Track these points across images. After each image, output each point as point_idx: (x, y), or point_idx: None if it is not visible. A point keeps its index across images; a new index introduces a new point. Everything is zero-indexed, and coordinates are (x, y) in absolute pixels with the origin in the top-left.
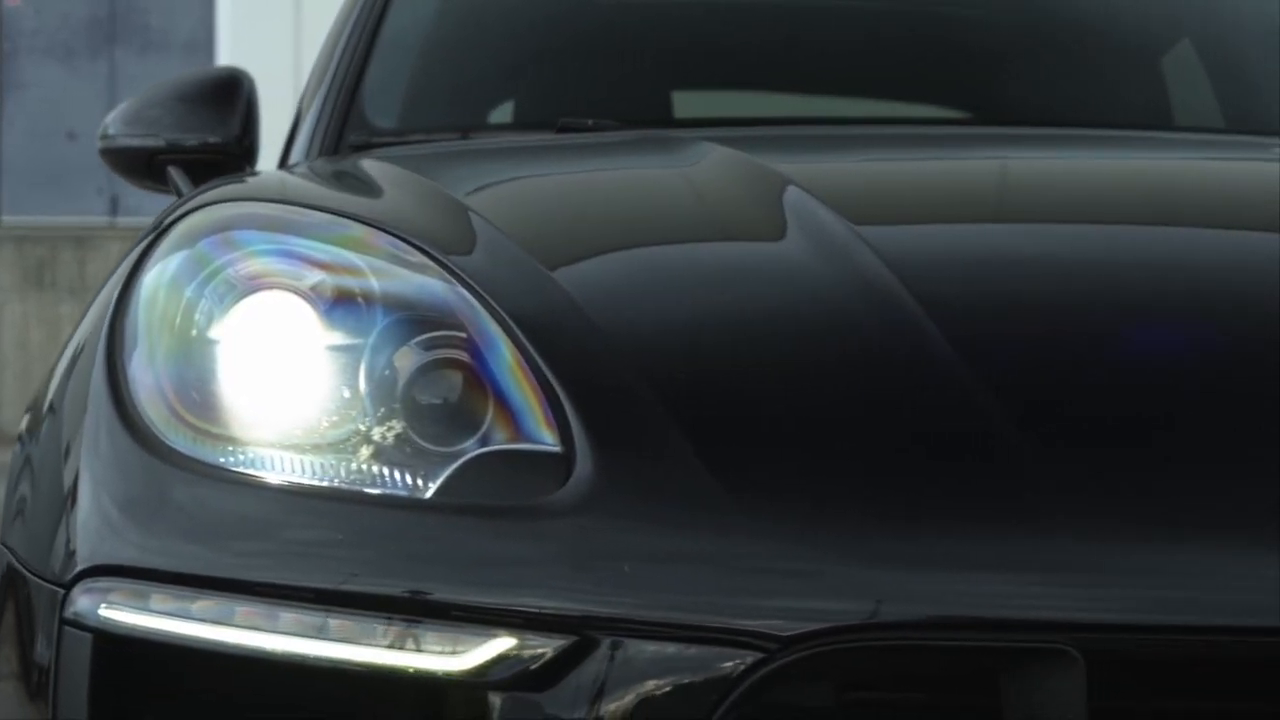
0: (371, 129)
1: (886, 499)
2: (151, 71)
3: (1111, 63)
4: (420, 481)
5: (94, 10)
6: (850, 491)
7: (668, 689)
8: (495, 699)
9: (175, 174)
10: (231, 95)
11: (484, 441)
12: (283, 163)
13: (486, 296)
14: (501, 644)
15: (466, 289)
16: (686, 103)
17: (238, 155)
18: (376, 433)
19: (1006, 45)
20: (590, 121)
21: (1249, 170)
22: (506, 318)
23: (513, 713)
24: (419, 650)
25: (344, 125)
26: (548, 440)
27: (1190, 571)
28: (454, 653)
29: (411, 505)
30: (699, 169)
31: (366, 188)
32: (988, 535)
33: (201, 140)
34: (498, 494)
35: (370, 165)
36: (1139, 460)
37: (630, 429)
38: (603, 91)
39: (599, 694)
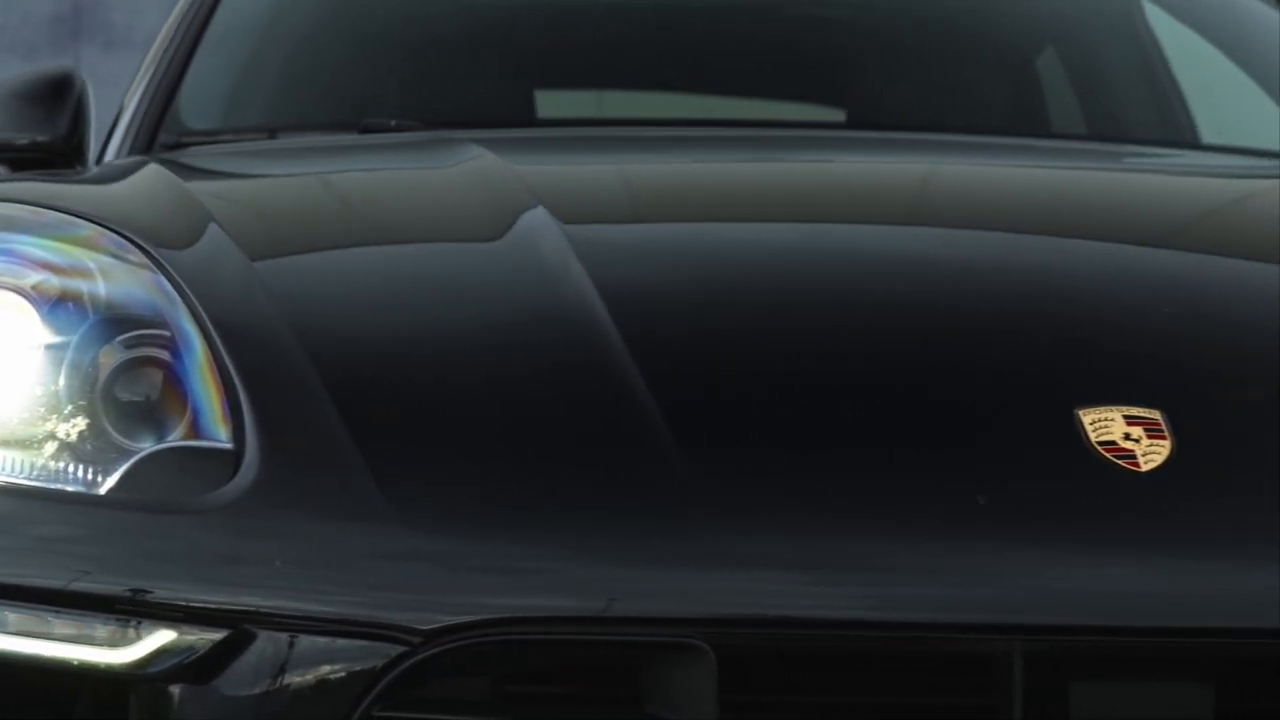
0: (183, 129)
1: (532, 497)
2: (116, 69)
3: (980, 68)
4: (97, 477)
5: (57, 8)
6: (499, 490)
7: (319, 681)
8: (158, 691)
9: (1, 172)
10: (63, 94)
11: (162, 438)
12: (99, 159)
13: (191, 296)
14: (162, 637)
15: (175, 288)
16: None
17: (65, 153)
18: (65, 429)
19: (880, 47)
20: (393, 122)
21: (1058, 177)
22: (205, 317)
23: (176, 705)
24: (86, 643)
25: (159, 124)
26: (221, 437)
27: (821, 565)
28: (118, 646)
29: (83, 501)
30: (449, 174)
31: (126, 188)
32: (625, 531)
33: (30, 139)
34: (169, 490)
35: (151, 167)
36: (789, 459)
37: (298, 428)
38: (425, 91)
39: (256, 686)
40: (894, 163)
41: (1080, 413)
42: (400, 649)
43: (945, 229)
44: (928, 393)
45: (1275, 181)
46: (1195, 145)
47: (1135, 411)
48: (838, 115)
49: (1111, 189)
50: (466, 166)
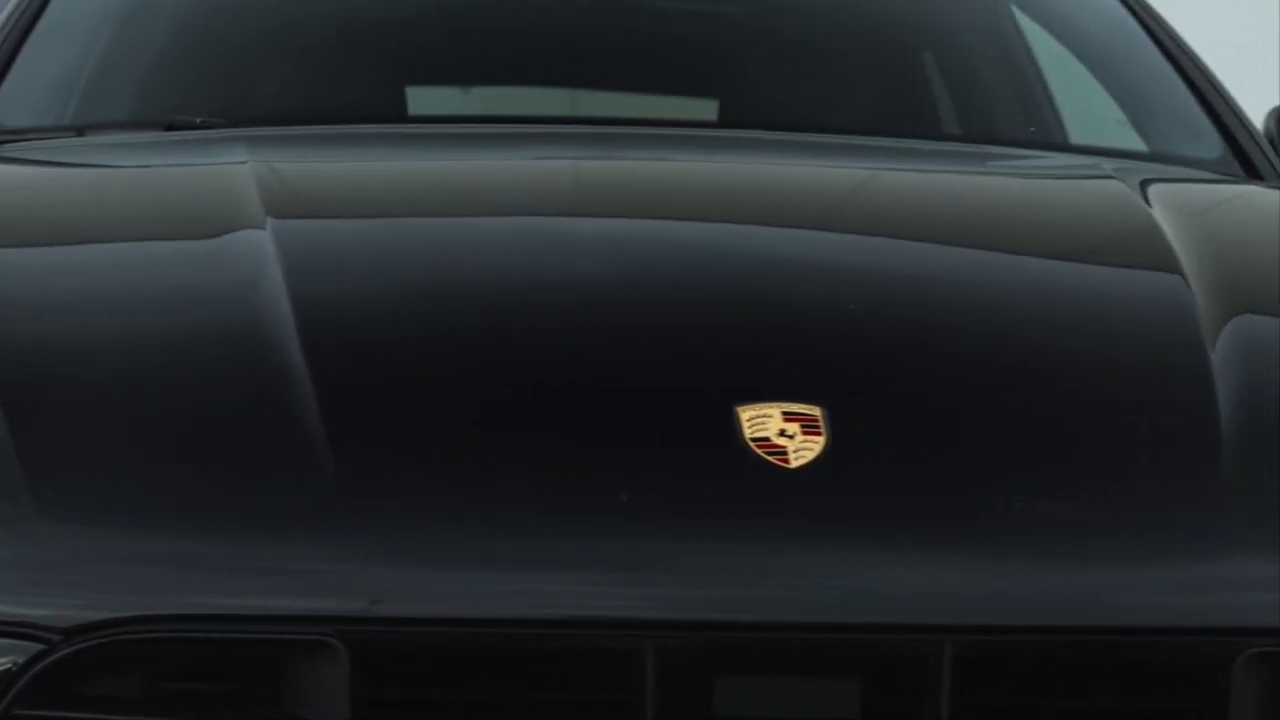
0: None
1: (175, 500)
2: None
3: (852, 67)
4: None
5: None
6: (145, 493)
7: None
8: None
9: None
10: None
11: None
12: None
13: None
14: None
15: None
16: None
17: None
18: None
19: (755, 43)
20: (198, 119)
21: (852, 177)
22: None
23: None
24: None
25: None
26: None
27: (452, 563)
28: None
29: None
30: (186, 176)
31: None
32: (263, 532)
33: None
34: None
35: None
36: (440, 460)
37: None
38: (289, 88)
39: None
40: (687, 160)
41: (739, 410)
42: (39, 647)
43: (680, 224)
44: (589, 391)
45: (1095, 182)
46: (1064, 147)
47: (795, 408)
48: (712, 110)
49: (905, 189)
50: (207, 170)
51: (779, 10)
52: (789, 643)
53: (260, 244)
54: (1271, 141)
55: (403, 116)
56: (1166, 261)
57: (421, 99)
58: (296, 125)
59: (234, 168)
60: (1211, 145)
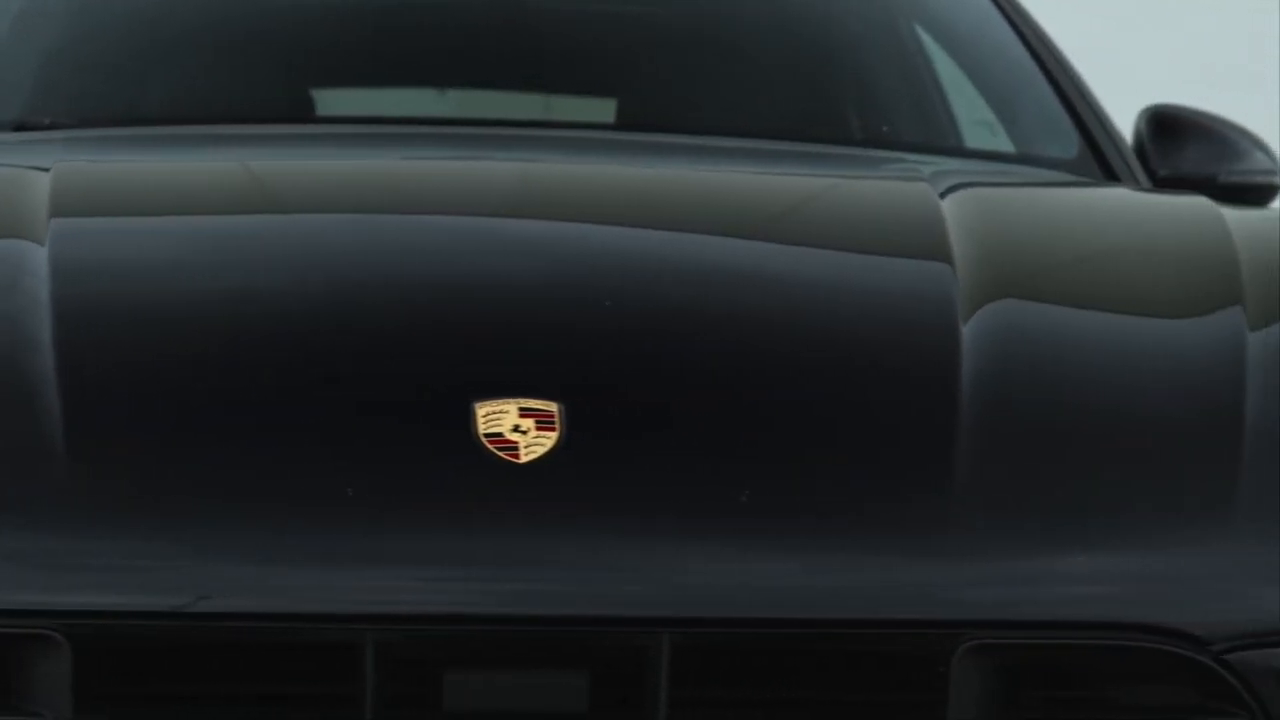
0: None
1: None
2: None
3: (749, 69)
4: None
5: None
6: None
7: None
8: None
9: None
10: None
11: None
12: None
13: None
14: None
15: None
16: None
17: None
18: None
19: (655, 44)
20: (47, 120)
21: (698, 179)
22: None
23: None
24: None
25: None
26: None
27: (146, 559)
28: None
29: None
30: None
31: None
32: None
33: None
34: None
35: None
36: (184, 458)
37: None
38: (195, 87)
39: None
40: (520, 159)
41: (476, 405)
42: None
43: (475, 220)
44: (325, 385)
45: (901, 184)
46: (956, 151)
47: (532, 404)
48: (610, 110)
49: (714, 189)
50: (6, 172)
51: (678, 12)
52: (514, 636)
53: (22, 249)
54: (1141, 141)
55: (306, 118)
56: (940, 254)
57: (334, 100)
58: (184, 125)
59: (33, 172)
60: (1070, 145)
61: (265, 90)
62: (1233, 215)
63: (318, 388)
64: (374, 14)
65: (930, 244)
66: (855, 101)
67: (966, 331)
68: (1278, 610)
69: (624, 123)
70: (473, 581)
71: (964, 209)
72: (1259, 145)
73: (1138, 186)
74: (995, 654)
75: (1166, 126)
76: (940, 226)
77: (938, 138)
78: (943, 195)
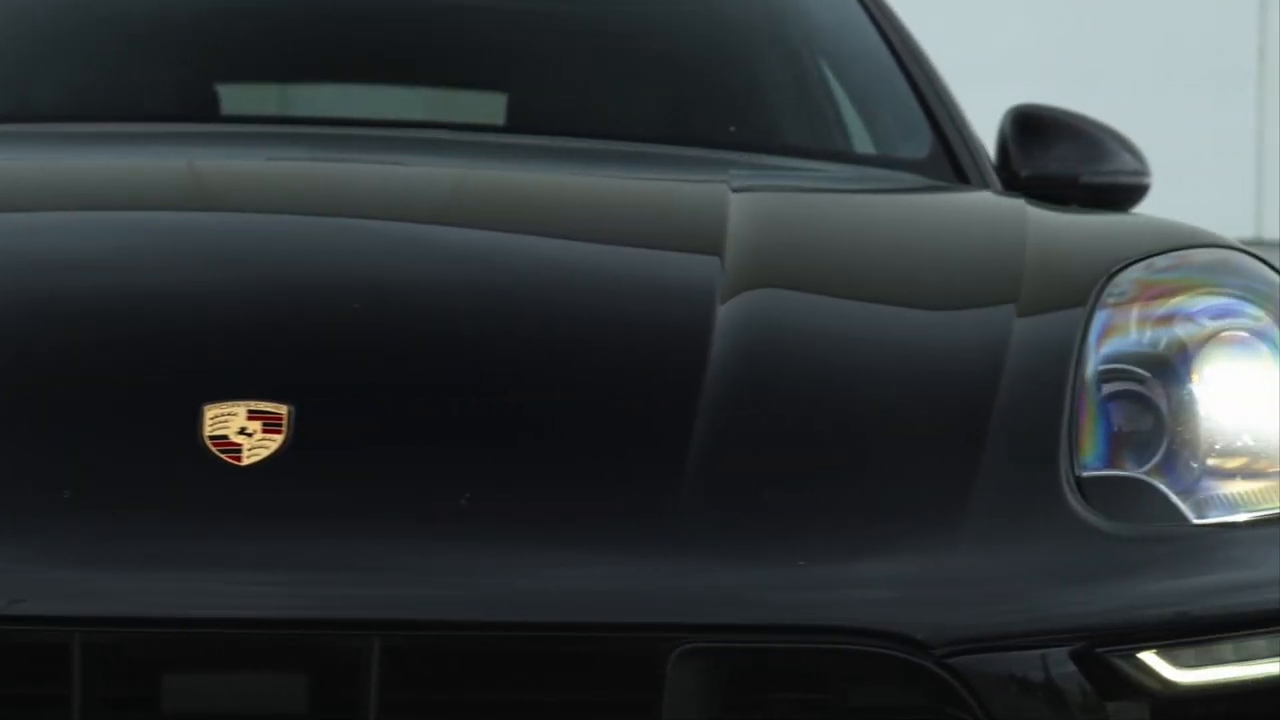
0: None
1: None
2: None
3: (637, 72)
4: None
5: None
6: None
7: None
8: None
9: None
10: None
11: None
12: None
13: None
14: None
15: None
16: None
17: None
18: None
19: (547, 43)
20: None
21: (531, 181)
22: None
23: None
24: None
25: None
26: None
27: None
28: None
29: None
30: None
31: None
32: None
33: None
34: None
35: None
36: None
37: None
38: (96, 83)
39: None
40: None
41: (206, 408)
42: None
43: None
44: (76, 383)
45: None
46: (843, 156)
47: (262, 406)
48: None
49: (543, 191)
50: None
51: (570, 11)
52: (231, 639)
53: None
54: (1005, 141)
55: (212, 115)
56: (712, 248)
57: (241, 97)
58: (81, 123)
59: None
60: (923, 146)
61: (167, 86)
62: (1038, 216)
63: (44, 388)
64: (275, 9)
65: (706, 240)
66: (721, 103)
67: (720, 318)
68: (999, 615)
69: (513, 120)
70: (188, 583)
71: (753, 209)
72: (1127, 146)
73: (971, 188)
74: (714, 657)
75: (1032, 127)
76: (721, 225)
77: (809, 139)
78: (738, 193)
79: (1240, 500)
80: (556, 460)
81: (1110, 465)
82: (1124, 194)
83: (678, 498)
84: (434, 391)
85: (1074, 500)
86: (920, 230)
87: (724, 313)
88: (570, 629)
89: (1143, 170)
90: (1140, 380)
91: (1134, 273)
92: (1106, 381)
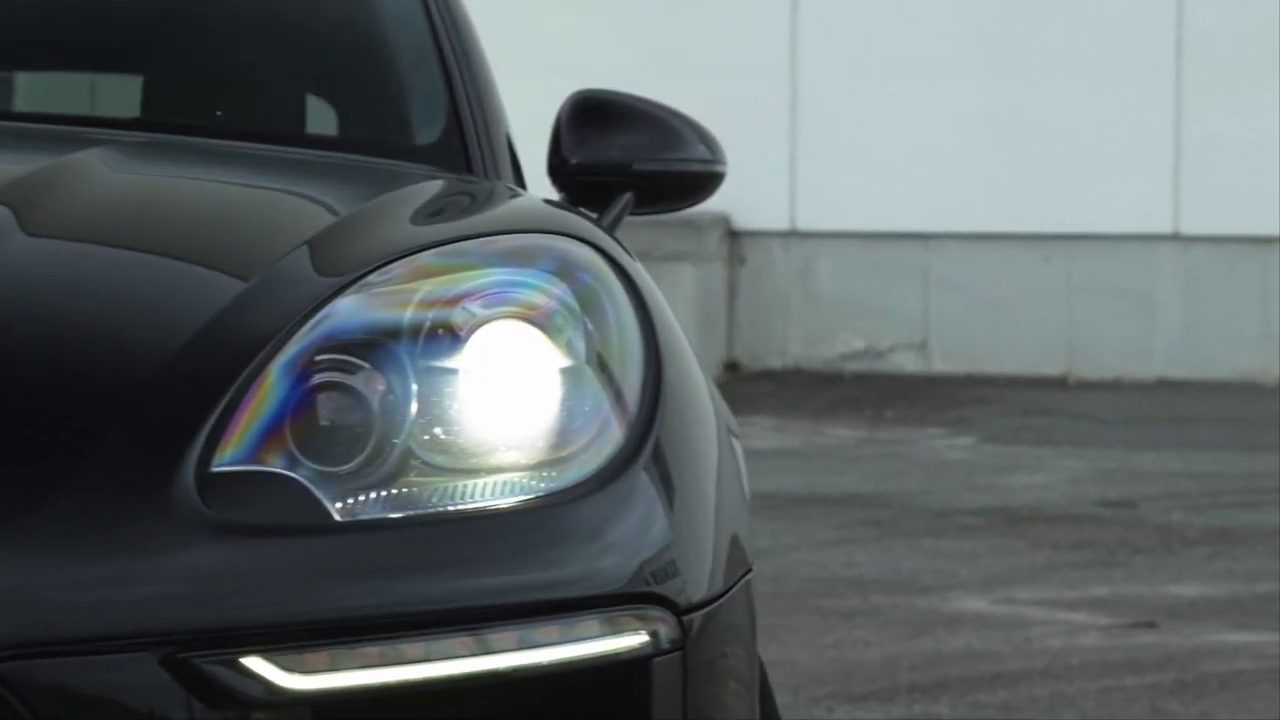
0: None
1: None
2: None
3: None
4: None
5: None
6: None
7: None
8: None
9: None
10: None
11: None
12: None
13: None
14: None
15: None
16: None
17: None
18: None
19: (172, 30)
20: None
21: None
22: None
23: None
24: None
25: None
26: None
27: None
28: None
29: None
30: None
31: None
32: None
33: None
34: None
35: None
36: None
37: None
38: None
39: None
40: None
41: None
42: None
43: None
44: None
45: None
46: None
47: None
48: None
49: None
50: None
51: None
52: None
53: None
54: (559, 128)
55: None
56: None
57: None
58: None
59: None
60: (433, 133)
61: None
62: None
63: None
64: None
65: None
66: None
67: None
68: (68, 618)
69: (148, 106)
70: None
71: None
72: (703, 136)
73: (460, 177)
74: None
75: (592, 113)
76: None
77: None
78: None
79: (403, 501)
80: None
81: (256, 460)
82: (695, 182)
83: None
84: None
85: (186, 496)
86: (227, 198)
87: None
88: None
89: (715, 160)
90: (353, 371)
91: (424, 258)
92: (321, 371)
